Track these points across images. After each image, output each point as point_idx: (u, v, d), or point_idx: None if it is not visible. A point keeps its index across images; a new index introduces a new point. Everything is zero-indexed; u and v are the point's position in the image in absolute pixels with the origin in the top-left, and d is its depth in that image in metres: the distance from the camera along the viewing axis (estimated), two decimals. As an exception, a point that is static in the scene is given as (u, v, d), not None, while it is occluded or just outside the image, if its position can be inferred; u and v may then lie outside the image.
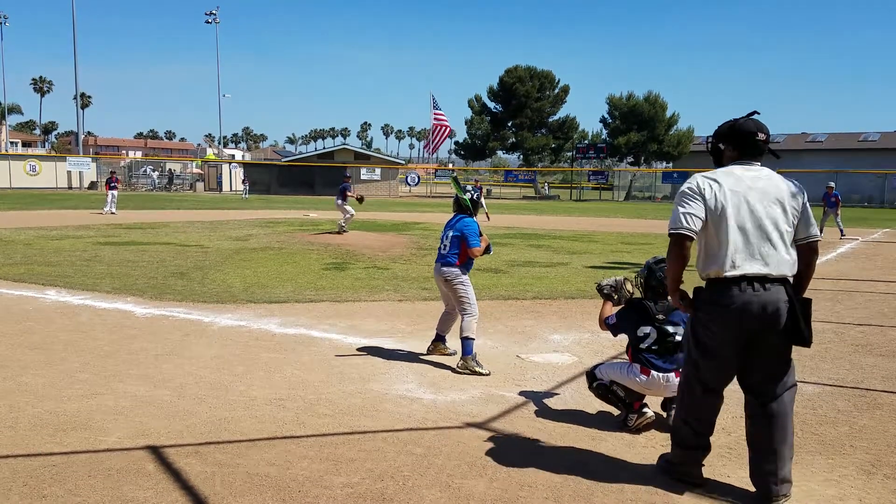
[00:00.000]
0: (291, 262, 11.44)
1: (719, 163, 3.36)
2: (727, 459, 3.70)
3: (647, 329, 4.11)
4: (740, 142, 3.27)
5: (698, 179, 3.24)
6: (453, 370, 5.27)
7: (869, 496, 3.28)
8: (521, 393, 4.78)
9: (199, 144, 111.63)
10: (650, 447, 3.86)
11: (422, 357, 5.68)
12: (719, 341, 3.18)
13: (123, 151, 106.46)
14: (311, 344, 6.02)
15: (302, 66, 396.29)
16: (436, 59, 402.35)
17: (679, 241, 3.19)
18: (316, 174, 50.72)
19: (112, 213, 23.39)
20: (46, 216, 21.97)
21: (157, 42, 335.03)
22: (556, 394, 4.79)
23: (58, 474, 3.32)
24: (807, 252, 3.24)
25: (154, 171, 54.23)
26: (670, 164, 60.53)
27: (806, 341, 3.14)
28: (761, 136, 3.25)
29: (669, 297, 3.45)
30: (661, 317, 4.12)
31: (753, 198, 3.16)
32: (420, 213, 28.02)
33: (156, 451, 3.62)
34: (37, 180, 45.77)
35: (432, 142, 46.88)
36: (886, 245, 16.49)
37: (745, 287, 3.10)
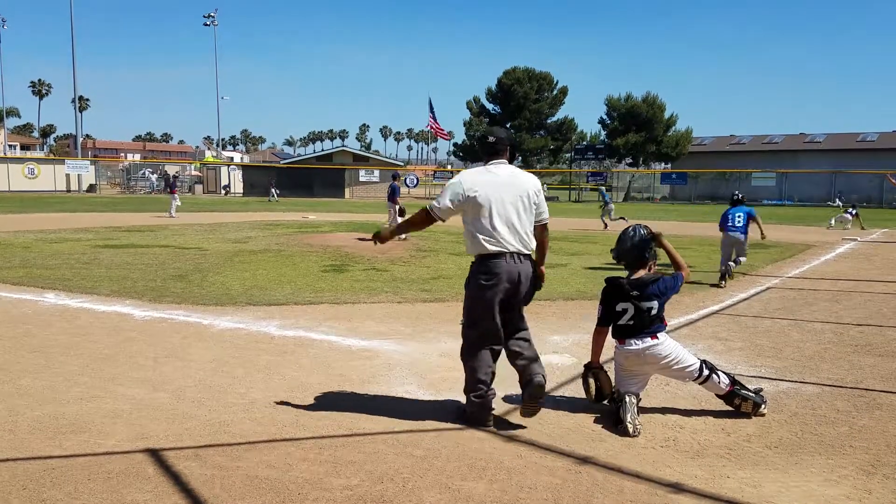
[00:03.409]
0: (290, 265, 11.43)
1: (487, 160, 4.27)
2: (727, 460, 3.70)
3: (625, 305, 4.32)
4: (483, 147, 4.27)
5: (465, 177, 4.12)
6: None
7: (869, 496, 3.28)
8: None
9: (197, 147, 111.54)
10: (650, 448, 3.86)
11: (421, 359, 5.67)
12: (493, 301, 4.05)
13: (122, 154, 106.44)
14: (310, 346, 6.02)
15: (300, 69, 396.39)
16: (434, 60, 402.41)
17: (430, 216, 4.17)
18: (314, 176, 50.73)
19: (171, 215, 23.66)
20: (45, 219, 21.96)
21: (156, 45, 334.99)
22: (555, 395, 4.79)
23: (57, 478, 3.32)
24: (539, 229, 4.22)
25: (153, 173, 54.22)
26: (669, 165, 60.60)
27: (525, 300, 4.19)
28: (491, 139, 4.25)
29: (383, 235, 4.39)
30: (635, 293, 4.31)
31: (507, 191, 4.07)
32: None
33: (155, 454, 3.62)
34: (35, 183, 45.76)
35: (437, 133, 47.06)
36: (885, 245, 16.51)
37: (509, 259, 4.02)
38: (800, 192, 46.39)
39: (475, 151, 63.52)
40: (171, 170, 53.66)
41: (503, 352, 4.22)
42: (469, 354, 4.16)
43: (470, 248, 4.14)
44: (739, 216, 10.74)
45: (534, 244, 4.18)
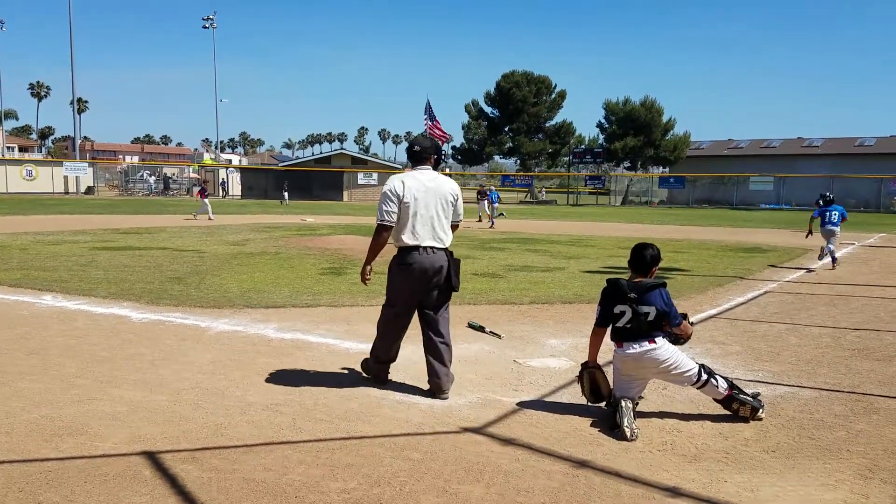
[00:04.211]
0: (288, 267, 11.42)
1: (414, 166, 4.83)
2: (724, 464, 3.70)
3: (623, 307, 4.33)
4: (411, 155, 4.83)
5: (394, 182, 4.69)
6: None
7: (866, 501, 3.28)
8: (518, 398, 4.77)
9: (195, 149, 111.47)
10: (647, 452, 3.86)
11: (419, 362, 5.67)
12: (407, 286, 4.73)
13: (120, 156, 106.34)
14: (307, 349, 6.01)
15: (299, 71, 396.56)
16: (433, 63, 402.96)
17: (380, 230, 4.71)
18: (313, 179, 50.73)
19: (210, 218, 23.77)
20: (43, 221, 21.93)
21: (155, 47, 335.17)
22: (553, 399, 4.78)
23: (53, 480, 3.31)
24: (453, 227, 4.86)
25: (151, 175, 54.18)
26: (667, 169, 60.70)
27: (454, 287, 4.80)
28: (417, 147, 4.80)
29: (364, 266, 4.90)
30: (633, 295, 4.32)
31: (429, 193, 4.67)
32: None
33: (152, 457, 3.61)
34: (33, 185, 45.73)
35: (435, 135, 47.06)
36: (882, 249, 16.53)
37: (422, 251, 4.64)
38: (797, 196, 46.44)
39: (473, 154, 63.67)
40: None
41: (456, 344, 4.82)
42: (384, 326, 4.92)
43: (394, 241, 4.79)
44: (835, 213, 13.32)
45: (449, 240, 4.81)
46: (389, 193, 4.67)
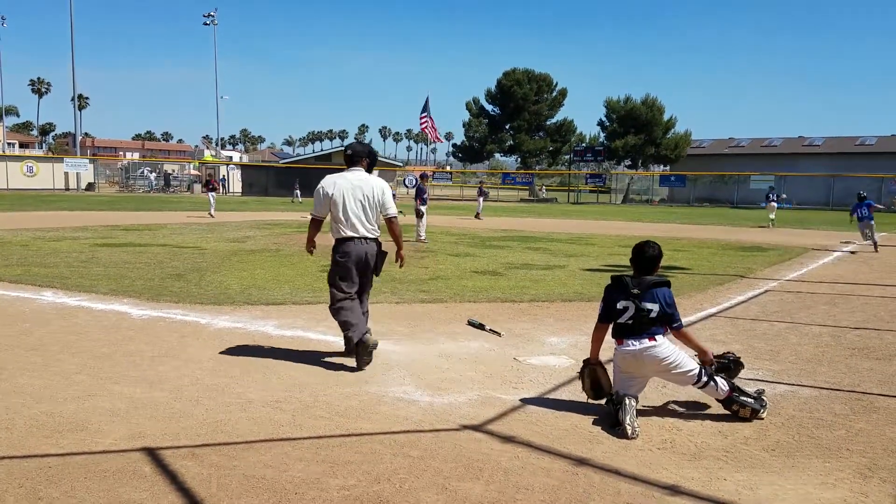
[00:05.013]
0: (289, 264, 11.43)
1: (348, 167, 5.55)
2: (723, 462, 3.70)
3: (626, 303, 4.35)
4: (345, 158, 5.60)
5: (325, 182, 5.46)
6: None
7: (865, 500, 3.28)
8: (518, 395, 4.78)
9: (196, 146, 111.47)
10: (647, 450, 3.86)
11: (419, 359, 5.67)
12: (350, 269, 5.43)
13: (121, 153, 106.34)
14: (308, 346, 6.01)
15: (300, 69, 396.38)
16: (434, 61, 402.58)
17: (313, 221, 5.59)
18: (313, 176, 50.68)
19: (211, 214, 23.53)
20: (43, 217, 21.94)
21: (155, 44, 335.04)
22: (553, 397, 4.79)
23: (54, 476, 3.31)
24: (387, 221, 5.55)
25: (151, 172, 54.17)
26: (668, 168, 60.66)
27: (376, 273, 5.60)
28: (349, 151, 5.58)
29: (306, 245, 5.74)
30: (636, 291, 4.34)
31: (357, 190, 5.38)
32: (418, 216, 27.97)
33: (152, 453, 3.62)
34: (34, 181, 45.73)
35: (431, 134, 47.01)
36: (883, 248, 16.53)
37: (356, 242, 5.37)
38: (798, 195, 46.42)
39: (474, 152, 63.65)
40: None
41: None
42: (335, 309, 5.48)
43: (332, 232, 5.48)
44: (865, 209, 16.75)
45: (378, 231, 5.51)
46: (320, 192, 5.47)
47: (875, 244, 16.26)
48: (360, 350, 5.31)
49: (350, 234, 5.37)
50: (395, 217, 5.58)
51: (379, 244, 5.53)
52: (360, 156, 5.59)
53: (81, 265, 10.73)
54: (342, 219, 5.37)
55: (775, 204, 26.68)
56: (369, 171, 5.61)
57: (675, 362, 4.30)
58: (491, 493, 3.24)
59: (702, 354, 4.49)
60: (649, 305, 4.30)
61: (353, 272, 5.43)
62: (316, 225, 5.63)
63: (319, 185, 5.48)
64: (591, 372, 4.49)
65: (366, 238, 5.42)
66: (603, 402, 4.47)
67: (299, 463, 3.53)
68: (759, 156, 55.24)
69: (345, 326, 5.44)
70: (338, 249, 5.44)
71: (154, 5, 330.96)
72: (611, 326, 4.47)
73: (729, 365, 4.74)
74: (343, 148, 5.44)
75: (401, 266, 5.81)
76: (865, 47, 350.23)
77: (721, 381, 4.33)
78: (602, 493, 3.29)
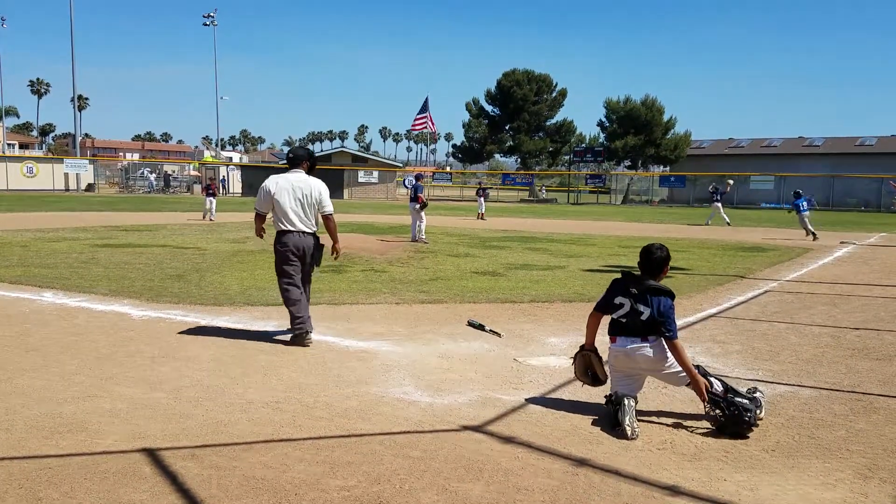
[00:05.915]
0: (289, 265, 11.41)
1: (290, 169, 6.23)
2: (724, 463, 3.70)
3: (623, 300, 4.38)
4: (287, 160, 6.33)
5: (268, 181, 6.11)
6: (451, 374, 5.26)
7: (865, 500, 3.29)
8: (518, 396, 4.78)
9: (196, 147, 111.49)
10: (647, 450, 3.86)
11: (419, 360, 5.67)
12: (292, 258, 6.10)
13: (121, 153, 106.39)
14: (308, 346, 6.01)
15: (300, 69, 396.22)
16: (434, 61, 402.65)
17: (256, 215, 6.33)
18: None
19: (211, 218, 23.47)
20: (43, 218, 21.94)
21: (155, 44, 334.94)
22: (553, 397, 4.79)
23: (53, 477, 3.31)
24: (324, 219, 6.20)
25: (151, 172, 54.16)
26: (667, 168, 60.65)
27: (316, 264, 6.24)
28: (291, 155, 6.30)
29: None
30: (634, 291, 4.35)
31: (296, 190, 6.03)
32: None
33: (152, 454, 3.62)
34: (34, 182, 45.72)
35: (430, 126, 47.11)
36: (883, 249, 16.53)
37: (294, 234, 6.01)
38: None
39: (473, 152, 63.68)
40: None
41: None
42: (285, 296, 6.11)
43: (274, 226, 6.15)
44: (805, 203, 19.86)
45: (315, 226, 6.14)
46: (263, 189, 6.13)
47: (813, 234, 19.42)
48: (301, 341, 5.99)
49: (289, 227, 6.02)
50: (331, 214, 6.21)
51: (316, 238, 6.15)
52: (301, 159, 6.25)
53: (81, 266, 10.73)
54: (282, 214, 6.01)
55: (719, 204, 27.12)
56: (310, 172, 6.25)
57: (668, 363, 4.31)
58: (491, 494, 3.24)
59: (694, 384, 4.24)
60: (642, 308, 4.31)
61: (291, 259, 6.05)
62: (260, 219, 6.35)
63: (263, 184, 6.15)
64: (584, 357, 4.56)
65: (303, 231, 6.05)
66: (604, 402, 4.47)
67: (299, 464, 3.53)
68: (759, 156, 55.23)
69: (295, 313, 6.07)
70: (279, 240, 6.07)
71: (153, 6, 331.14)
72: (609, 324, 4.48)
73: (725, 410, 4.13)
74: (287, 152, 6.41)
75: (336, 258, 6.51)
76: (865, 47, 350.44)
77: (715, 382, 4.33)
78: (602, 493, 3.29)
